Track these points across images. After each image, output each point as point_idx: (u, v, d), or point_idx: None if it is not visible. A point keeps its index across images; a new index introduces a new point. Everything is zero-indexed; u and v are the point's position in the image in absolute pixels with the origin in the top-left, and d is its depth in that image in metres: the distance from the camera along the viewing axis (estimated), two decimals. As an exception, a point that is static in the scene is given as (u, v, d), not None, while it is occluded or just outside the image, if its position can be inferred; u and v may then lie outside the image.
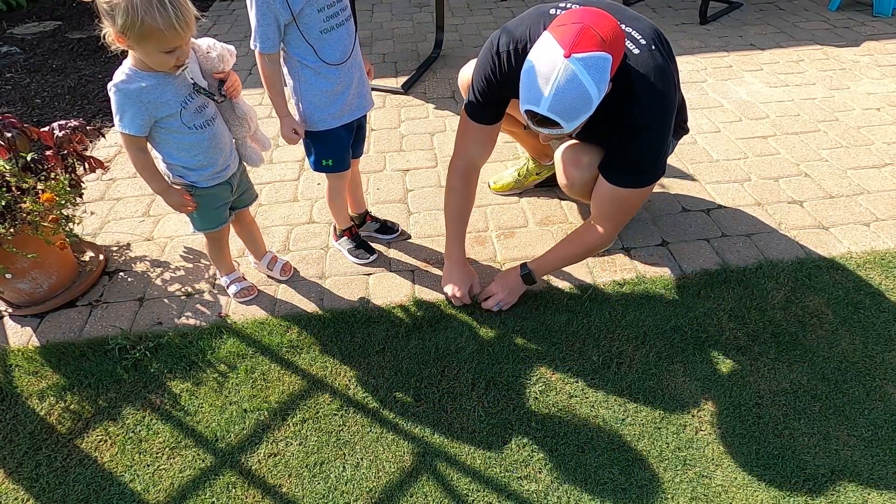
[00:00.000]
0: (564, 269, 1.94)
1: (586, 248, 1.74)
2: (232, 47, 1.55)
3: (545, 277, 1.91)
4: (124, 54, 1.40)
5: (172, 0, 1.25)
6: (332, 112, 1.67)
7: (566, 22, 1.29)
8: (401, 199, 2.35)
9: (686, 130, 1.91)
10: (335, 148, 1.76)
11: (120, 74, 1.38)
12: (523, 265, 1.79)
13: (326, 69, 1.59)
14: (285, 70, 1.64)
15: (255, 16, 1.48)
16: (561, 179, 1.83)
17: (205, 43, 1.51)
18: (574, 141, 1.78)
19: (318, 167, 1.79)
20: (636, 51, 1.45)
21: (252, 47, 1.53)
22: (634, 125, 1.47)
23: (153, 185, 1.54)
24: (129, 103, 1.39)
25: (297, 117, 1.70)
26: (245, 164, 1.74)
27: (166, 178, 1.60)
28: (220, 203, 1.69)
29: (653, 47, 1.46)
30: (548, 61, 1.27)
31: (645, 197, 1.65)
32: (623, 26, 1.45)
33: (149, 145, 1.52)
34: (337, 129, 1.71)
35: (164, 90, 1.41)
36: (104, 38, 1.31)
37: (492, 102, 1.66)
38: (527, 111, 1.33)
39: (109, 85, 1.39)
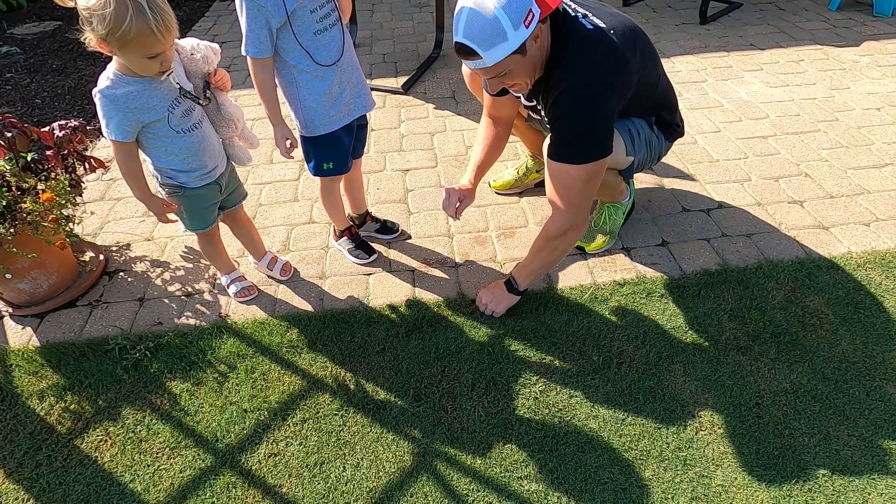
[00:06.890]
0: (565, 270, 1.94)
1: (546, 237, 1.69)
2: (216, 45, 1.53)
3: (545, 278, 1.91)
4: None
5: (152, 5, 1.21)
6: (332, 115, 1.66)
7: None
8: (401, 199, 2.35)
9: (679, 134, 1.90)
10: (336, 151, 1.75)
11: (104, 80, 1.35)
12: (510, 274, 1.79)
13: (323, 71, 1.58)
14: (280, 78, 1.62)
15: (246, 21, 1.46)
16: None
17: (188, 44, 1.47)
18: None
19: (318, 171, 1.77)
20: (589, 26, 1.47)
21: (244, 53, 1.51)
22: (560, 90, 1.49)
23: (136, 193, 1.53)
24: (115, 109, 1.36)
25: (297, 124, 1.69)
26: (233, 163, 1.73)
27: (155, 179, 1.59)
28: (209, 203, 1.68)
29: (611, 32, 1.47)
30: None
31: (584, 177, 1.55)
32: (589, 14, 1.51)
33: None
34: (337, 131, 1.70)
35: (151, 95, 1.38)
36: (87, 43, 1.27)
37: None
38: (454, 45, 1.41)
39: (94, 91, 1.35)
